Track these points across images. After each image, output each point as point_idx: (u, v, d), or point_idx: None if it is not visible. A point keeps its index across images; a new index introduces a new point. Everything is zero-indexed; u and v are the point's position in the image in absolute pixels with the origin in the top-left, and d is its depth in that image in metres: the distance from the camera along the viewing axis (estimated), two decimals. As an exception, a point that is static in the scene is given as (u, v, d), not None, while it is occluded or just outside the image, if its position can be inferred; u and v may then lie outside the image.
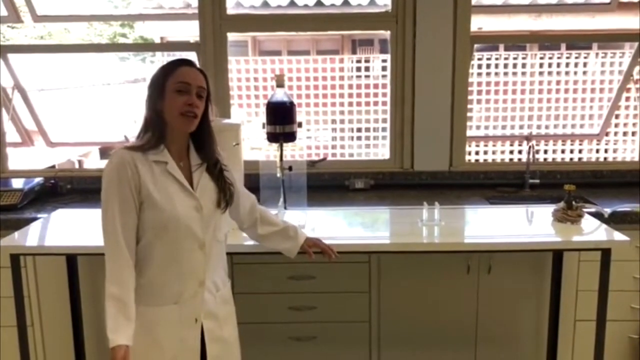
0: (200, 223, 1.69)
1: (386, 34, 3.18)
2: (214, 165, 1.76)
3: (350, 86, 4.78)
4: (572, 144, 5.18)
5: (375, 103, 4.54)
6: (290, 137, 2.31)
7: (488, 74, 5.32)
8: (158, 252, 1.65)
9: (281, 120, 2.28)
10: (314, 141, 4.95)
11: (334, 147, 4.95)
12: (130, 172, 1.60)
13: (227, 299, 1.86)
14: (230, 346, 1.85)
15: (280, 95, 2.32)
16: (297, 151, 2.43)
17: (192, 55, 3.19)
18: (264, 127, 2.32)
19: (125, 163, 1.60)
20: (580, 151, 5.18)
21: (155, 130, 1.66)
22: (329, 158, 3.84)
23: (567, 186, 2.34)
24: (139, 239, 1.65)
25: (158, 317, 1.66)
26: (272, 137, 2.30)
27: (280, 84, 2.33)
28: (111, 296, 1.57)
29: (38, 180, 3.06)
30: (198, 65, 1.74)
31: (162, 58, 5.32)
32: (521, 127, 4.91)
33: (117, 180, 1.59)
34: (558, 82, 5.15)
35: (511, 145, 5.14)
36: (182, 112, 1.63)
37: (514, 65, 5.27)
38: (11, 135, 3.47)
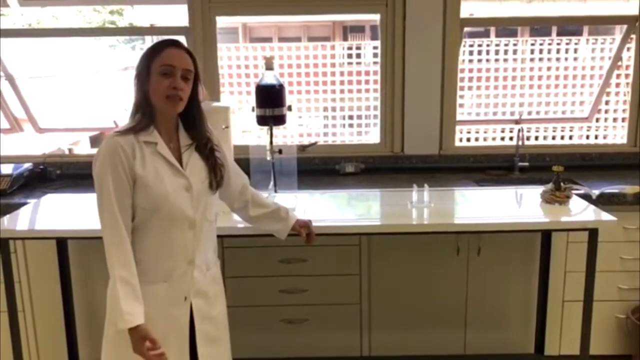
0: (190, 202, 1.70)
1: (377, 19, 3.16)
2: (205, 145, 1.77)
3: (342, 73, 4.75)
4: (562, 130, 5.19)
5: (367, 90, 4.51)
6: (280, 120, 2.31)
7: (479, 60, 5.31)
8: (149, 231, 1.67)
9: (271, 103, 2.28)
10: (305, 128, 4.93)
11: (325, 134, 4.93)
12: (123, 155, 1.61)
13: (217, 279, 1.87)
14: (219, 325, 1.86)
15: (269, 78, 2.31)
16: (288, 138, 2.43)
17: (181, 40, 3.15)
18: (253, 110, 2.32)
19: (117, 147, 1.61)
20: (570, 137, 5.19)
21: (145, 112, 1.68)
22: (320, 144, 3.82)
23: (555, 167, 2.36)
24: (132, 220, 1.66)
25: (148, 295, 1.66)
26: (262, 120, 2.30)
27: (269, 67, 2.33)
28: (121, 279, 1.59)
29: (27, 165, 3.04)
30: (186, 46, 1.73)
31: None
32: (512, 113, 4.91)
33: (111, 164, 1.61)
34: (549, 69, 5.15)
35: (502, 132, 5.15)
36: (167, 95, 1.64)
37: (505, 52, 5.27)
38: (-1, 122, 3.45)
